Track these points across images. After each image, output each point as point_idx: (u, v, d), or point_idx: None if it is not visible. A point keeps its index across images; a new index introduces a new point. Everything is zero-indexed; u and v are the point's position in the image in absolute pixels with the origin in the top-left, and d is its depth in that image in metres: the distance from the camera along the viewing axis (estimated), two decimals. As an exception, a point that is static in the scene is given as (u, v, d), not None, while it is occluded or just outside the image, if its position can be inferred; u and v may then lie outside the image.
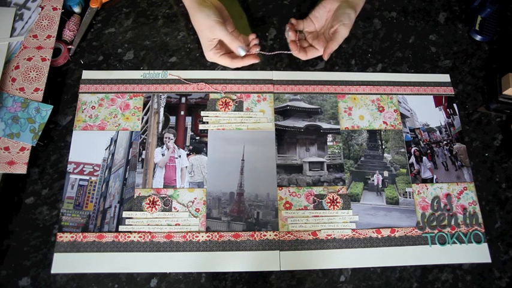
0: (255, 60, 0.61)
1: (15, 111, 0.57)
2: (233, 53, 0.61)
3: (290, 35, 0.62)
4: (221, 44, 0.61)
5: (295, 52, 0.62)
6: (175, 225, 0.56)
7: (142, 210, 0.56)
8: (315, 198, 0.59)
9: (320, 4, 0.63)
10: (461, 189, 0.61)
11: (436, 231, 0.58)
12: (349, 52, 0.69)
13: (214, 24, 0.56)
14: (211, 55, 0.61)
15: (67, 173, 0.57)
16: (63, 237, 0.54)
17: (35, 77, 0.60)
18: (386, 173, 0.61)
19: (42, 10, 0.65)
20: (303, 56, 0.63)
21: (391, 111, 0.65)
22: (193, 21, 0.60)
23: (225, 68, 0.66)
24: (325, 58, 0.60)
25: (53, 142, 0.59)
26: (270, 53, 0.66)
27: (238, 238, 0.55)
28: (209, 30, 0.57)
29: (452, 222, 0.58)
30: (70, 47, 0.65)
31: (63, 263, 0.52)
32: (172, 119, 0.62)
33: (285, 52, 0.65)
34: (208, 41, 0.59)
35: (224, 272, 0.54)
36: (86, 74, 0.64)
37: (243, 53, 0.59)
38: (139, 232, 0.55)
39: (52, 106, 0.58)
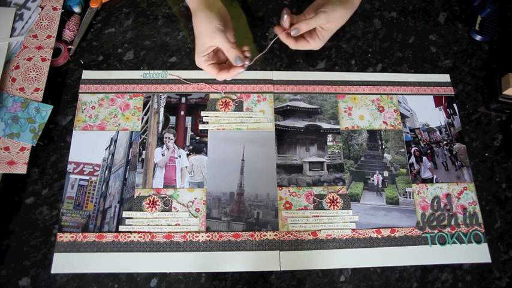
0: (240, 70, 0.58)
1: (15, 111, 0.57)
2: (221, 65, 0.60)
3: (285, 19, 0.58)
4: (214, 54, 0.60)
5: (283, 37, 0.59)
6: (175, 225, 0.56)
7: (142, 210, 0.56)
8: (315, 198, 0.59)
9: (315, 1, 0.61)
10: (461, 189, 0.61)
11: (436, 231, 0.58)
12: (349, 52, 0.69)
13: (215, 30, 0.55)
14: (201, 61, 0.59)
15: (67, 173, 0.57)
16: (63, 237, 0.54)
17: (35, 77, 0.60)
18: (386, 173, 0.61)
19: (42, 10, 0.65)
20: (291, 44, 0.60)
21: (391, 111, 0.65)
22: (195, 24, 0.58)
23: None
24: (289, 30, 0.57)
25: (53, 142, 0.59)
26: (261, 53, 0.62)
27: (238, 238, 0.55)
28: (209, 35, 0.56)
29: (452, 222, 0.58)
30: (70, 47, 0.65)
31: (63, 263, 0.52)
32: (172, 119, 0.62)
33: (274, 40, 0.60)
34: (204, 47, 0.57)
35: (224, 272, 0.54)
36: (86, 74, 0.64)
37: (239, 63, 0.57)
38: (139, 232, 0.55)
39: (52, 106, 0.58)
